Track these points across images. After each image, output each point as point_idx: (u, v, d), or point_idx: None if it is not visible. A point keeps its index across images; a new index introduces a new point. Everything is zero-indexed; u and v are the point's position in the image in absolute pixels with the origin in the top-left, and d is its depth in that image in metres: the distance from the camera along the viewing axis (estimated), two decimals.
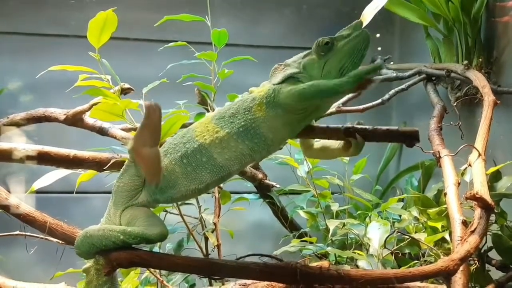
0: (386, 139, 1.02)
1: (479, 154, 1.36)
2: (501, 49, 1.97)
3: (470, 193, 1.14)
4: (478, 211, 1.17)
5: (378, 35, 2.74)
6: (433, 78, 2.16)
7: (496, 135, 1.97)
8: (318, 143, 1.17)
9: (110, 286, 1.07)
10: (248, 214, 2.23)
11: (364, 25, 1.69)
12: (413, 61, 2.39)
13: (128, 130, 1.65)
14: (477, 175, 1.28)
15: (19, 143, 1.41)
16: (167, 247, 1.76)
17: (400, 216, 1.68)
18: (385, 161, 2.66)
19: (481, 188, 1.22)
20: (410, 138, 0.94)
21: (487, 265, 1.52)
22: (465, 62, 1.89)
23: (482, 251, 1.51)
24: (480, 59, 1.96)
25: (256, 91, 1.08)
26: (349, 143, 1.06)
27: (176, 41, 1.71)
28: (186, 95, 1.81)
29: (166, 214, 1.67)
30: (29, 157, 1.37)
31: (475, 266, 1.44)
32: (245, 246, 2.26)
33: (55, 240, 1.12)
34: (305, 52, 1.08)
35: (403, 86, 2.11)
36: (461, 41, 2.01)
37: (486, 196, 1.18)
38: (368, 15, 1.67)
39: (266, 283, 1.03)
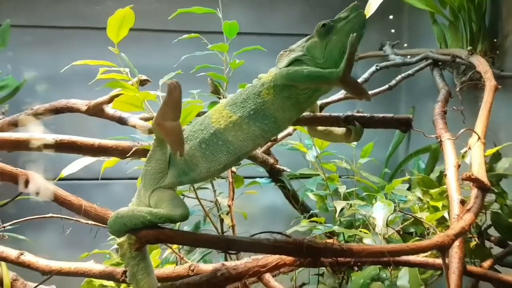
0: (382, 126, 1.09)
1: (479, 138, 1.43)
2: (505, 34, 2.01)
3: (466, 174, 1.21)
4: (474, 191, 1.24)
5: (391, 16, 2.79)
6: (440, 63, 2.21)
7: (498, 118, 2.04)
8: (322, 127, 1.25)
9: (141, 258, 1.18)
10: (262, 198, 2.33)
11: (370, 13, 1.77)
12: (422, 47, 2.44)
13: (146, 119, 1.75)
14: (475, 157, 1.36)
15: (48, 133, 1.51)
16: (185, 229, 1.86)
17: (406, 197, 1.76)
18: (394, 145, 2.72)
19: (478, 170, 1.29)
20: (404, 124, 1.01)
21: (487, 242, 1.61)
22: (469, 48, 1.95)
23: (483, 228, 1.59)
24: (485, 45, 2.01)
25: (265, 77, 1.16)
26: (350, 130, 1.14)
27: (190, 31, 1.80)
28: (200, 84, 1.89)
29: (184, 198, 1.77)
30: (58, 146, 1.47)
31: (475, 242, 1.52)
32: (258, 227, 2.33)
33: (84, 221, 1.23)
34: (308, 36, 1.15)
35: (409, 72, 2.17)
36: (465, 27, 2.05)
37: (483, 177, 1.26)
38: (373, 5, 1.74)
39: (276, 257, 1.13)
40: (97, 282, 1.57)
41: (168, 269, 1.36)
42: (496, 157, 1.63)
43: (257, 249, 1.05)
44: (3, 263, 1.59)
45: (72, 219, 1.37)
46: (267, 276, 1.25)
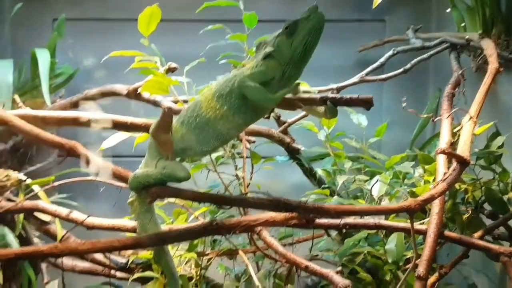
0: (349, 105, 1.24)
1: (470, 117, 1.55)
2: None
3: (440, 149, 1.34)
4: (454, 165, 1.37)
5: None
6: (458, 47, 2.28)
7: (510, 99, 2.10)
8: None
9: (149, 214, 1.45)
10: (290, 175, 2.53)
11: (377, 3, 1.91)
12: (448, 31, 2.51)
13: (176, 102, 1.99)
14: (463, 135, 1.48)
15: (88, 113, 1.81)
16: None
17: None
18: (420, 126, 2.81)
19: (463, 146, 1.42)
20: (366, 103, 1.15)
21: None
22: (479, 32, 2.01)
23: (479, 201, 1.70)
24: (498, 28, 2.06)
25: (246, 66, 1.33)
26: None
27: (215, 20, 2.00)
28: (225, 69, 2.10)
29: (208, 172, 2.01)
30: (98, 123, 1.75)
31: (468, 214, 1.65)
32: None
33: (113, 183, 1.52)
34: (278, 32, 1.31)
35: (425, 56, 2.26)
36: (478, 12, 2.11)
37: (465, 152, 1.38)
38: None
39: (267, 214, 1.33)
40: None
41: (184, 225, 1.62)
42: (495, 135, 1.73)
43: (242, 204, 1.26)
44: (57, 222, 1.90)
45: (104, 182, 1.65)
46: (264, 233, 1.46)
